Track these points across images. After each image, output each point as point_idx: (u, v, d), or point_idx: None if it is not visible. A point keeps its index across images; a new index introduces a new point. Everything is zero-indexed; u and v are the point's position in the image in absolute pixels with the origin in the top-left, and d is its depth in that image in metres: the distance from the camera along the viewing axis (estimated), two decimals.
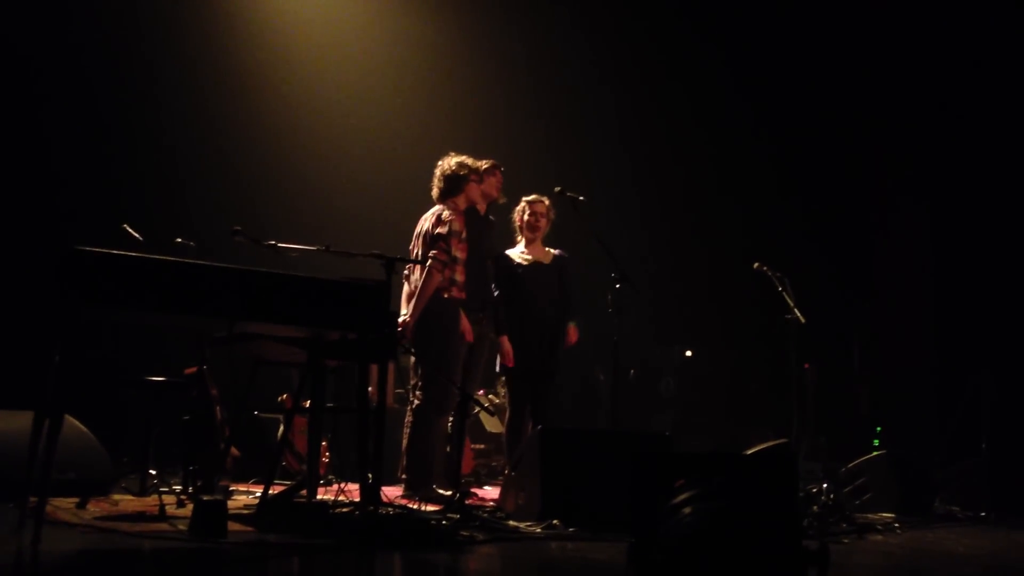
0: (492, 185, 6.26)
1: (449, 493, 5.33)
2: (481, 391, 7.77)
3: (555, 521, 4.55)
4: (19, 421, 4.51)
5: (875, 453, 6.65)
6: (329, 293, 4.22)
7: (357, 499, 4.47)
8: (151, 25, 7.82)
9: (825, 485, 5.62)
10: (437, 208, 5.96)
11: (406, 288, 5.91)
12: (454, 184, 5.99)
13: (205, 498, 4.00)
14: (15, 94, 7.19)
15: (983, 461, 6.92)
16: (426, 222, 5.94)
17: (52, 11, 7.46)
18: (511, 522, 4.64)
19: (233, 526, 3.96)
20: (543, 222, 6.28)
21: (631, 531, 2.95)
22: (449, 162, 6.03)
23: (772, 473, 3.06)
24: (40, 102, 7.32)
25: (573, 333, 6.24)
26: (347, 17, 8.83)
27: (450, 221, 5.83)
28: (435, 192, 6.05)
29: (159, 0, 7.91)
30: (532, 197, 6.32)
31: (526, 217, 6.28)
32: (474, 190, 6.08)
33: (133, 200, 7.24)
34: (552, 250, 6.34)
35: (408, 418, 5.88)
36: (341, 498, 4.77)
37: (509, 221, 6.40)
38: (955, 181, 8.59)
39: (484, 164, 6.20)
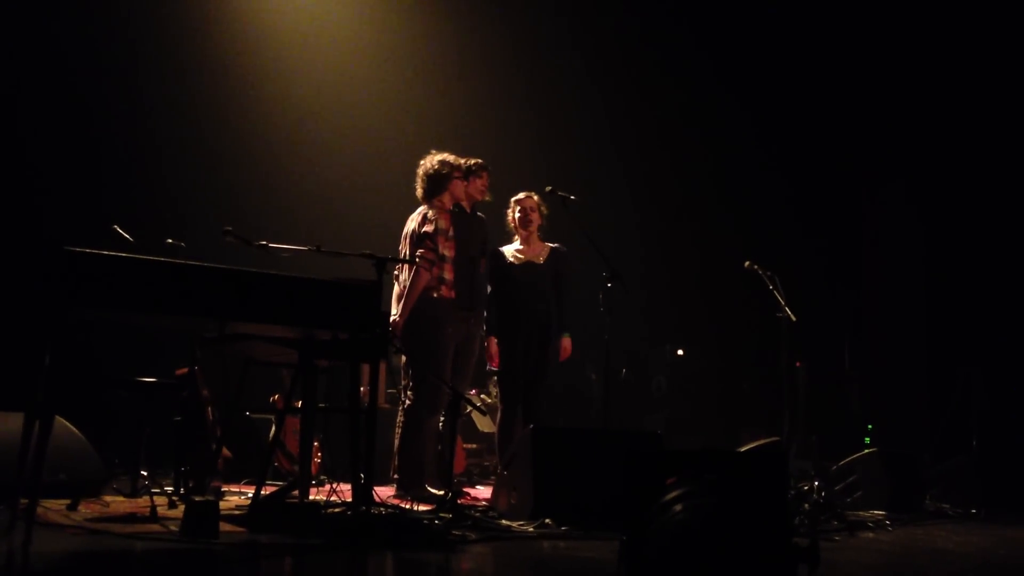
0: (477, 187, 6.14)
1: (441, 492, 5.33)
2: (473, 390, 7.76)
3: (547, 520, 4.55)
4: (9, 423, 4.49)
5: (866, 451, 6.68)
6: (320, 293, 4.21)
7: (349, 499, 4.47)
8: (141, 25, 7.80)
9: (816, 483, 5.64)
10: (423, 208, 5.94)
11: (395, 288, 5.89)
12: (438, 182, 5.95)
13: (197, 499, 3.99)
14: (3, 93, 7.16)
15: (973, 458, 6.95)
16: (412, 222, 5.92)
17: (41, 10, 7.43)
18: (503, 521, 4.63)
19: (225, 527, 3.95)
20: (534, 216, 6.24)
21: (622, 529, 2.95)
22: (431, 160, 5.98)
23: (763, 471, 3.06)
24: (30, 102, 7.29)
25: (567, 347, 6.20)
26: (337, 18, 8.83)
27: (436, 220, 5.82)
28: (419, 191, 6.00)
29: (149, 0, 7.90)
30: (520, 195, 6.30)
31: (517, 215, 6.26)
32: (458, 187, 6.03)
33: (123, 201, 7.23)
34: (549, 244, 6.31)
35: (400, 418, 5.88)
36: (333, 498, 4.77)
37: (501, 222, 6.38)
38: (946, 182, 8.62)
39: (471, 162, 6.13)
